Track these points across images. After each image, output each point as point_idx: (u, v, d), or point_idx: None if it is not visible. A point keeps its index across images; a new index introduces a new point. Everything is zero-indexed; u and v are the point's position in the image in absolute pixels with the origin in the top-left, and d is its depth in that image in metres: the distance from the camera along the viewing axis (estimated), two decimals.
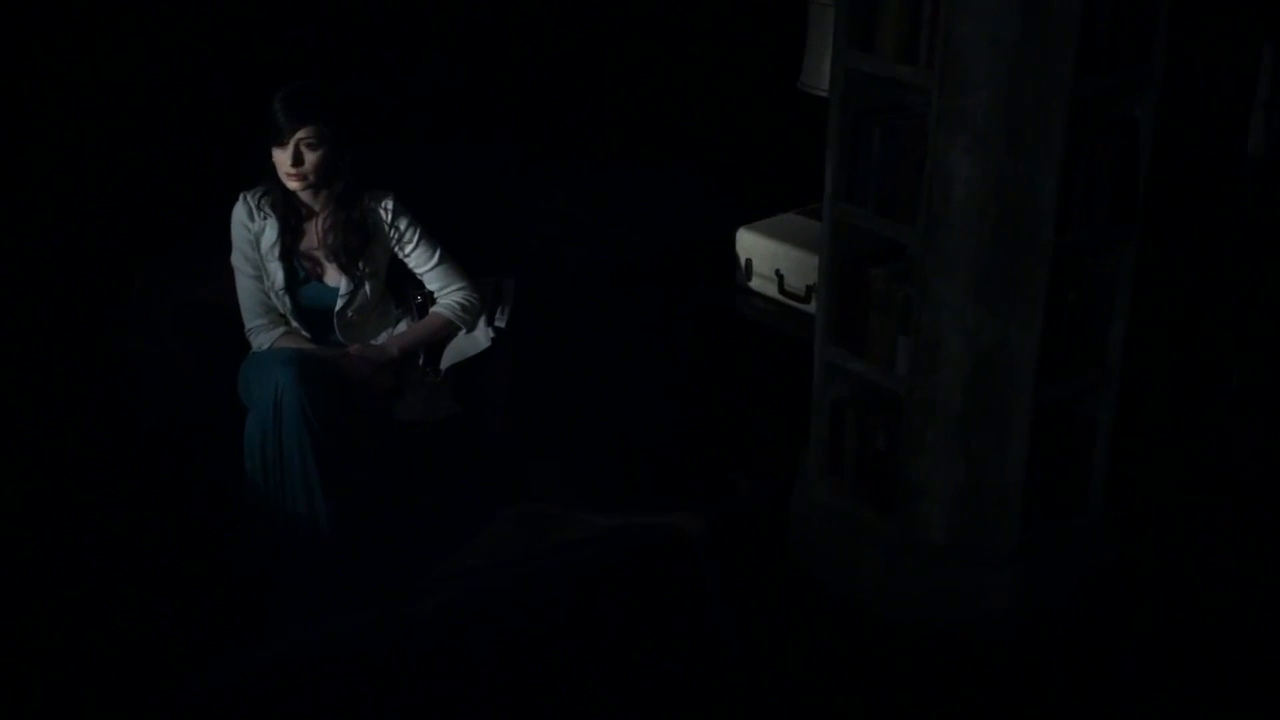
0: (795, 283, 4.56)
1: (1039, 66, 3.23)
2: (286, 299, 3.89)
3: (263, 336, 3.90)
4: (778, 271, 4.61)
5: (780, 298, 4.61)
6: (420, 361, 3.96)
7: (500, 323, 4.00)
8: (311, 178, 3.79)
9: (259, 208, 3.88)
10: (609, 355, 4.53)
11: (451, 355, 3.97)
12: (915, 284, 3.48)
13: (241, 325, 3.93)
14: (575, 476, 3.80)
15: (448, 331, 3.98)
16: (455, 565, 2.89)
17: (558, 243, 4.58)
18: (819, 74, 4.30)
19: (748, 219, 4.82)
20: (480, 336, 3.99)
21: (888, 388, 3.64)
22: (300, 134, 3.74)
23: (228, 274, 3.95)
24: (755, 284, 4.69)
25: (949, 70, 3.27)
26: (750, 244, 4.70)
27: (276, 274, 3.88)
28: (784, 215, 4.85)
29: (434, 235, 3.99)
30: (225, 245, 3.91)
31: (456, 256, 4.02)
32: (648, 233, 4.97)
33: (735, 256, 4.75)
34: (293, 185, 3.80)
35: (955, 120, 3.30)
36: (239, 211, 3.89)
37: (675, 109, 5.09)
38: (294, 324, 3.92)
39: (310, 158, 3.76)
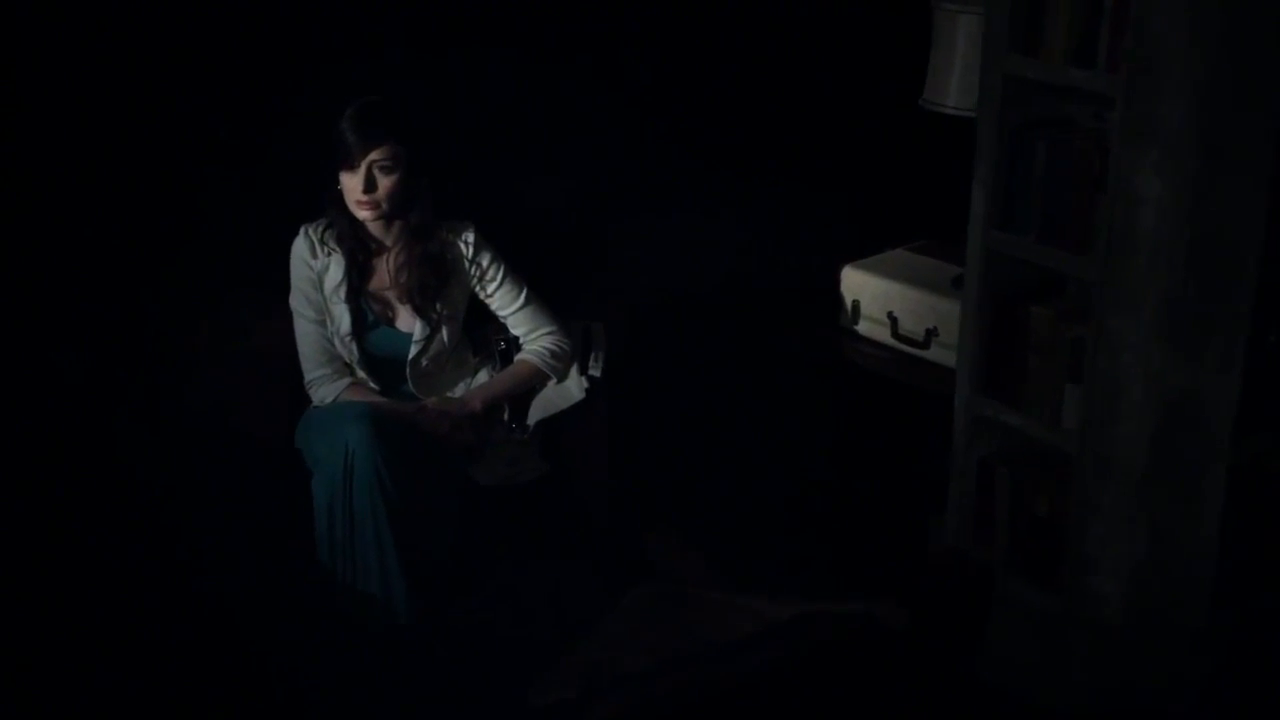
0: (912, 326, 4.09)
1: (1245, 68, 2.77)
2: (353, 346, 3.42)
3: (326, 389, 3.43)
4: (891, 314, 4.14)
5: (894, 343, 4.13)
6: (505, 416, 3.49)
7: (594, 371, 3.53)
8: (385, 206, 3.33)
9: (322, 242, 3.42)
10: (707, 406, 4.05)
11: (540, 409, 3.50)
12: (1089, 323, 3.00)
13: (300, 376, 3.46)
14: (691, 548, 3.31)
15: (536, 381, 3.51)
16: (596, 654, 2.40)
17: (645, 281, 4.13)
18: (945, 88, 3.84)
19: (846, 254, 4.35)
20: (572, 387, 3.51)
21: (1051, 444, 3.16)
22: (373, 155, 3.28)
23: (285, 317, 3.49)
24: (863, 328, 4.22)
25: (1137, 74, 2.81)
26: (858, 283, 4.23)
27: (342, 318, 3.41)
28: (892, 252, 4.38)
29: (518, 272, 3.53)
30: (282, 285, 3.45)
31: (543, 297, 3.55)
32: (740, 269, 4.50)
33: (839, 297, 4.28)
34: (363, 215, 3.34)
35: (1144, 132, 2.83)
36: (299, 247, 3.42)
37: (768, 131, 4.62)
38: (361, 374, 3.46)
39: (384, 183, 3.31)
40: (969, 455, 3.35)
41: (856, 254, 4.38)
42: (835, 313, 4.31)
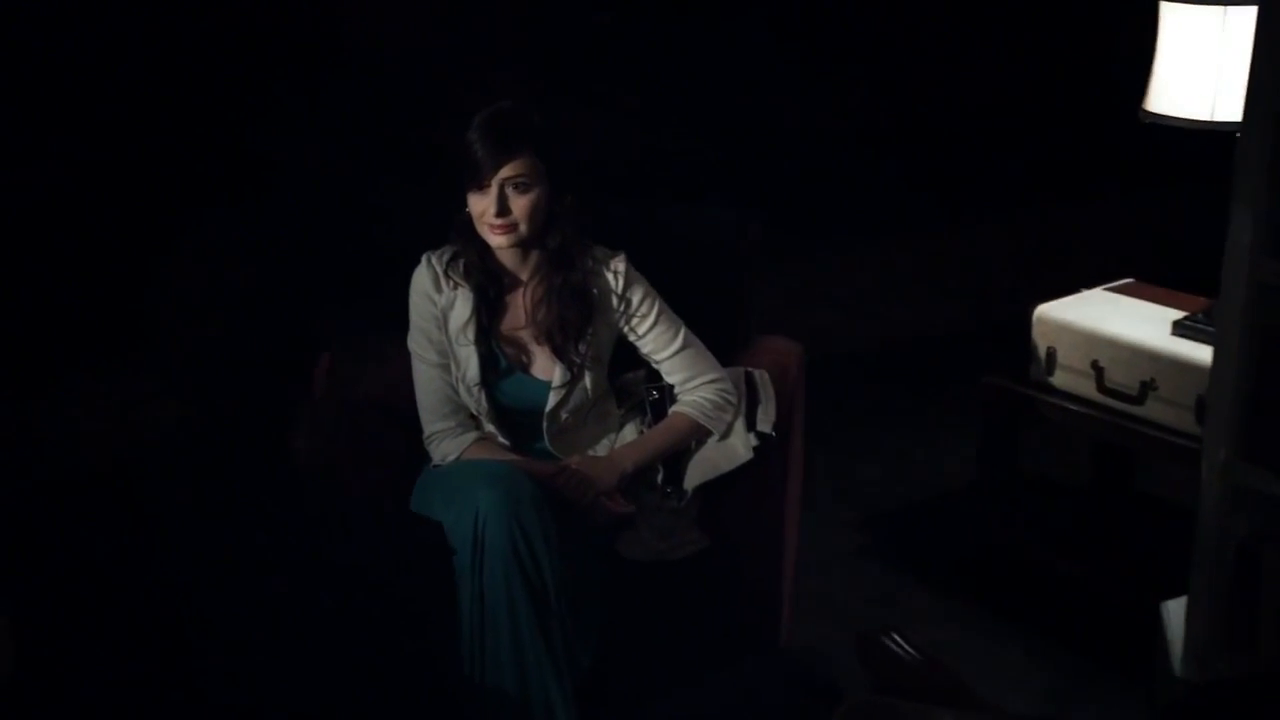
0: (1123, 378, 3.50)
1: None
2: (481, 395, 2.91)
3: (448, 445, 2.92)
4: (1095, 363, 3.56)
5: (1100, 397, 3.55)
6: (659, 479, 2.96)
7: (764, 426, 2.98)
8: (522, 229, 2.82)
9: (447, 274, 2.91)
10: (890, 465, 3.51)
11: (700, 470, 2.97)
12: None
13: (419, 429, 2.95)
14: (892, 644, 2.74)
15: (694, 438, 2.98)
16: None
17: (814, 323, 3.63)
18: (1170, 98, 3.28)
19: (1034, 292, 3.78)
20: (738, 445, 2.97)
21: None
22: (507, 171, 2.78)
23: (402, 360, 2.99)
24: (1060, 379, 3.64)
25: None
26: (1054, 328, 3.65)
27: (469, 362, 2.90)
28: (1091, 292, 3.80)
29: (673, 310, 3.00)
30: (399, 323, 2.95)
31: (701, 339, 3.02)
32: (913, 311, 3.99)
33: (1030, 344, 3.71)
34: (496, 241, 2.83)
35: None
36: (421, 279, 2.92)
37: (950, 155, 4.11)
38: (489, 428, 2.94)
39: (520, 203, 2.80)
40: (1224, 535, 2.76)
41: (1047, 294, 3.82)
42: (1024, 363, 3.74)
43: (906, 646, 2.26)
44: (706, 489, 2.97)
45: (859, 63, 4.33)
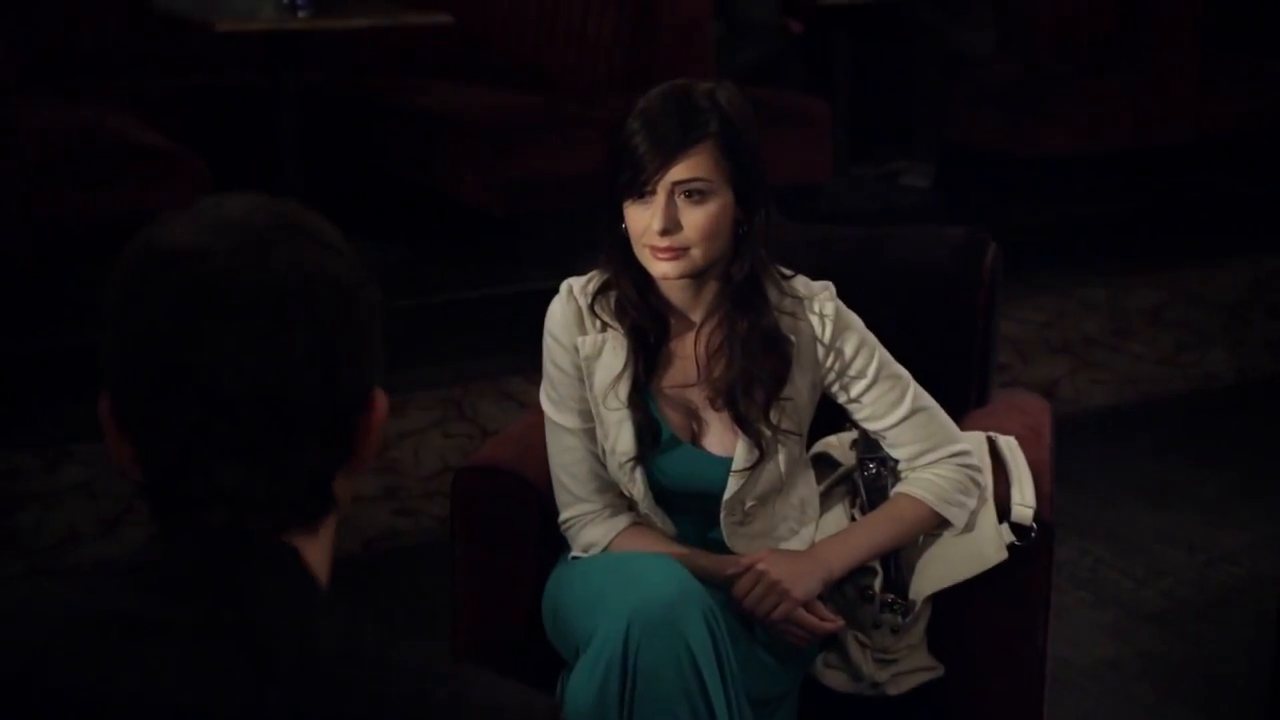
0: None
1: None
2: (637, 472, 2.19)
3: (593, 531, 2.22)
4: None
5: None
6: (876, 585, 2.22)
7: (1021, 516, 2.21)
8: (695, 253, 2.09)
9: (593, 310, 2.20)
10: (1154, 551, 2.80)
11: (934, 575, 2.23)
12: None
13: (553, 511, 2.25)
14: None
15: (924, 531, 2.23)
16: None
17: (1037, 374, 2.95)
18: None
19: None
20: (985, 542, 2.21)
21: None
22: (679, 172, 2.06)
23: (533, 417, 2.30)
24: None
25: None
26: None
27: (620, 428, 2.18)
28: None
29: (896, 363, 2.25)
30: (531, 366, 2.26)
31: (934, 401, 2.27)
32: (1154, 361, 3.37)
33: None
34: (661, 268, 2.11)
35: None
36: (560, 314, 2.22)
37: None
38: (645, 512, 2.22)
39: (695, 217, 2.08)
40: None
41: None
42: None
43: None
44: (941, 599, 2.22)
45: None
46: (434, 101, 5.12)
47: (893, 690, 2.20)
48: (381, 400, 1.19)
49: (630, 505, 2.24)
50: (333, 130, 5.25)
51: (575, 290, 2.22)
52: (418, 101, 5.16)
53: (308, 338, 1.11)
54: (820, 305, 2.19)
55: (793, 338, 2.17)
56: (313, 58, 4.99)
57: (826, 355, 2.19)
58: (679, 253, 2.09)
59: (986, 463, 2.27)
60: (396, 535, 3.60)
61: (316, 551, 1.18)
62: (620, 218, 2.13)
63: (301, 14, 4.64)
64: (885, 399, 2.20)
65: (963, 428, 2.32)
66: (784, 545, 2.24)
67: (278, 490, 1.14)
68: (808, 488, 2.30)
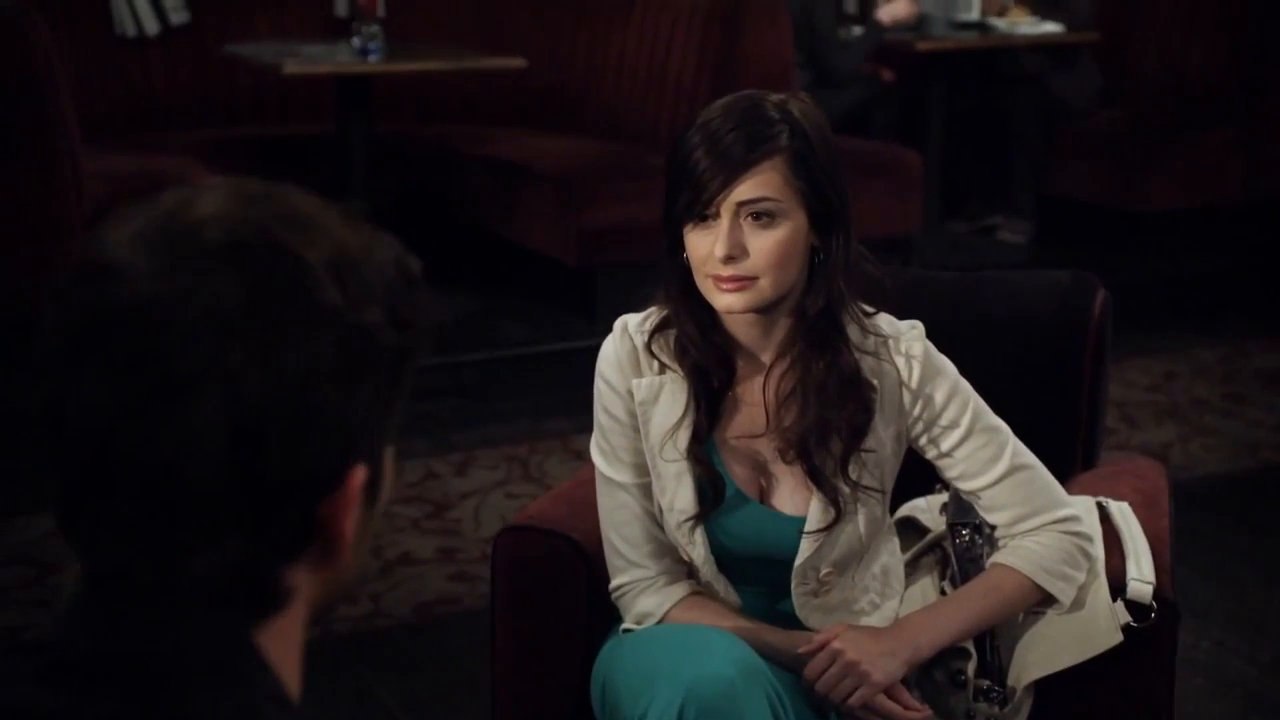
0: None
1: None
2: (697, 533, 1.93)
3: (648, 600, 1.97)
4: None
5: None
6: (969, 670, 1.94)
7: (1139, 594, 1.93)
8: (764, 283, 1.84)
9: (650, 350, 1.95)
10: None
11: (1039, 658, 1.95)
12: None
13: (605, 576, 2.00)
14: None
15: (1025, 607, 1.95)
16: None
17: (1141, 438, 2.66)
18: None
19: None
20: (1098, 621, 1.93)
21: None
22: (744, 192, 1.82)
23: (587, 472, 2.06)
24: None
25: None
26: None
27: (679, 483, 1.93)
28: None
29: (994, 415, 1.98)
30: (581, 414, 2.02)
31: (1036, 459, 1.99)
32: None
33: None
34: (724, 301, 1.86)
35: None
36: (613, 354, 1.97)
37: None
38: (706, 579, 1.97)
39: (762, 242, 1.83)
40: None
41: None
42: None
43: None
44: (1045, 687, 1.94)
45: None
46: (506, 149, 4.98)
47: None
48: (357, 479, 0.90)
49: (689, 572, 2.00)
50: (403, 178, 5.12)
51: (630, 328, 1.97)
52: (489, 149, 5.02)
53: (232, 405, 0.83)
54: (907, 346, 1.93)
55: (875, 382, 1.91)
56: (383, 106, 4.87)
57: (914, 403, 1.93)
58: (745, 283, 1.84)
59: (1097, 531, 2.00)
60: (452, 600, 3.37)
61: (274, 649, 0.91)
62: (680, 245, 1.89)
63: (372, 59, 4.50)
64: (981, 455, 1.93)
65: (1069, 492, 2.05)
66: (863, 621, 1.98)
67: (177, 582, 0.86)
68: (891, 556, 2.04)
